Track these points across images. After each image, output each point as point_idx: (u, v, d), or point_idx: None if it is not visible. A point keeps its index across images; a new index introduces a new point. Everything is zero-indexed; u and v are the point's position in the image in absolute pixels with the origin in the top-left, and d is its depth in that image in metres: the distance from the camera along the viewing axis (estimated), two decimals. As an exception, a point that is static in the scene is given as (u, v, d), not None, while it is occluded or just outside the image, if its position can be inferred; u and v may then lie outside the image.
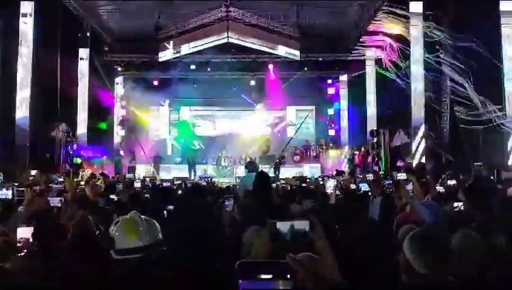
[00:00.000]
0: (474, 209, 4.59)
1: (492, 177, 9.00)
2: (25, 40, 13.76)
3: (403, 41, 15.57)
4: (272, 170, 18.86)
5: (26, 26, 13.78)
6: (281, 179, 14.47)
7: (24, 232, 3.19)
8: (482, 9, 13.46)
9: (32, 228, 3.15)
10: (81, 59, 18.16)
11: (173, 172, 18.76)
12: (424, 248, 2.10)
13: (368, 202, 5.50)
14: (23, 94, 13.75)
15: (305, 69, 21.03)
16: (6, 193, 4.12)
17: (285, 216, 3.86)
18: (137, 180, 9.23)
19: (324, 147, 21.59)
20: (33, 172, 11.65)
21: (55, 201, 4.60)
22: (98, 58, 19.39)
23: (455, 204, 4.45)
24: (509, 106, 13.10)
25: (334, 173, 14.28)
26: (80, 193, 5.68)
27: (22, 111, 13.70)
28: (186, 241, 3.39)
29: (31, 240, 3.17)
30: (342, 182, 6.19)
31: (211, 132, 23.26)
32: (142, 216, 2.29)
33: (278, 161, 19.48)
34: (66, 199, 4.89)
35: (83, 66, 18.25)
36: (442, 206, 4.83)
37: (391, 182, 5.34)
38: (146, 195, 6.69)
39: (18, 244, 3.21)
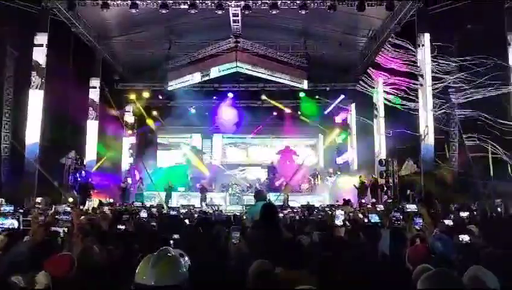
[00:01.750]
0: (487, 243, 4.52)
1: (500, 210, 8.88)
2: (37, 69, 14.03)
3: (409, 72, 15.65)
4: (281, 197, 18.79)
5: (40, 56, 14.07)
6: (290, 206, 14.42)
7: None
8: (490, 39, 13.57)
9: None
10: (92, 88, 18.44)
11: (181, 200, 18.81)
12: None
13: (378, 234, 5.42)
14: (34, 122, 13.91)
15: (316, 97, 21.24)
16: (12, 223, 4.10)
17: (294, 249, 3.81)
18: (144, 210, 9.17)
19: (332, 175, 21.48)
20: (39, 199, 11.64)
21: (60, 232, 4.57)
22: (108, 87, 19.68)
23: (461, 237, 4.38)
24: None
25: (342, 202, 14.14)
26: (87, 221, 5.65)
27: (32, 138, 13.82)
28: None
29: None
30: (350, 214, 6.10)
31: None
32: (173, 253, 2.24)
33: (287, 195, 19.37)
34: (70, 230, 4.87)
35: (94, 95, 18.52)
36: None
37: (399, 214, 5.26)
38: (153, 223, 6.64)
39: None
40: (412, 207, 6.00)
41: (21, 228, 3.99)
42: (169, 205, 16.93)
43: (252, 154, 23.79)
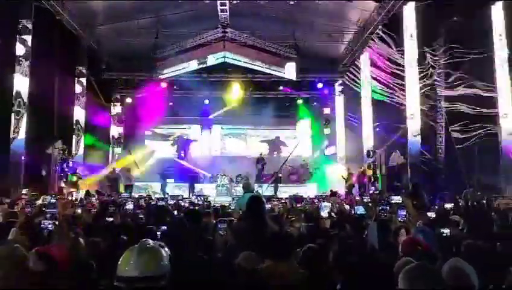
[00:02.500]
0: (469, 234, 4.61)
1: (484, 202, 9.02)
2: (21, 58, 13.77)
3: (396, 64, 15.73)
4: (270, 188, 18.88)
5: (24, 45, 13.81)
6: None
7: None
8: (475, 32, 13.70)
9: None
10: (78, 77, 18.20)
11: (176, 190, 18.83)
12: (418, 286, 2.09)
13: (364, 225, 5.48)
14: (19, 111, 13.69)
15: (303, 89, 21.39)
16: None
17: (281, 241, 3.84)
18: (130, 200, 9.14)
19: (321, 167, 21.62)
20: (25, 190, 11.52)
21: (47, 224, 4.53)
22: (95, 76, 19.46)
23: (442, 230, 4.47)
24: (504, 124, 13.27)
25: (329, 193, 14.25)
26: (70, 214, 5.61)
27: (18, 128, 13.62)
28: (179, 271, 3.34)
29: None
30: (337, 205, 6.15)
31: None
32: (153, 244, 2.23)
33: (275, 178, 19.49)
34: (60, 222, 4.83)
35: (80, 84, 18.28)
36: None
37: (386, 207, 5.32)
38: (141, 216, 6.61)
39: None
40: (396, 199, 6.08)
41: (1, 220, 3.91)
42: (166, 194, 16.97)
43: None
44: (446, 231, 4.41)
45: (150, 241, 2.25)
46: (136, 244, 2.23)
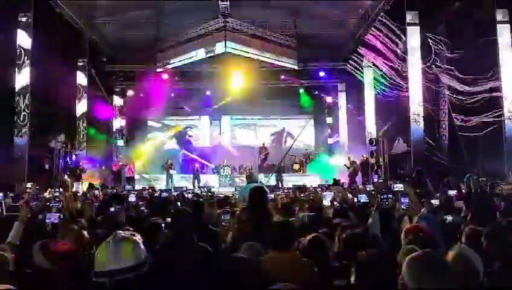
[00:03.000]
0: (472, 220, 4.61)
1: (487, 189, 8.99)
2: (23, 51, 13.75)
3: (398, 51, 15.62)
4: (274, 178, 18.91)
5: (24, 38, 13.78)
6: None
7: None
8: (477, 18, 13.55)
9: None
10: (79, 70, 18.17)
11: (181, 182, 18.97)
12: (424, 274, 2.08)
13: (368, 213, 5.47)
14: (21, 105, 13.70)
15: (305, 78, 21.28)
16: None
17: (283, 231, 3.84)
18: (133, 193, 9.17)
19: (324, 156, 21.63)
20: (29, 184, 11.57)
21: (52, 218, 4.54)
22: (96, 68, 19.43)
23: (445, 216, 4.46)
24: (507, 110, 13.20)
25: (332, 182, 14.24)
26: (74, 207, 5.63)
27: (20, 122, 13.64)
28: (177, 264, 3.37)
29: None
30: (340, 194, 6.14)
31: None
32: (125, 234, 2.22)
33: (278, 169, 19.51)
34: (65, 215, 4.86)
35: (82, 77, 18.26)
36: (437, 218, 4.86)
37: (387, 195, 5.31)
38: (142, 208, 6.63)
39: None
40: (399, 186, 6.07)
41: (4, 213, 3.92)
42: (170, 185, 17.07)
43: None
44: (449, 218, 4.40)
45: (121, 232, 2.22)
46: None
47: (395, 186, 6.17)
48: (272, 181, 18.69)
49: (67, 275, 2.89)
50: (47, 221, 4.51)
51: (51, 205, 5.15)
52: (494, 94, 13.44)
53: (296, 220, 5.09)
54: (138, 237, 2.22)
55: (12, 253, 3.42)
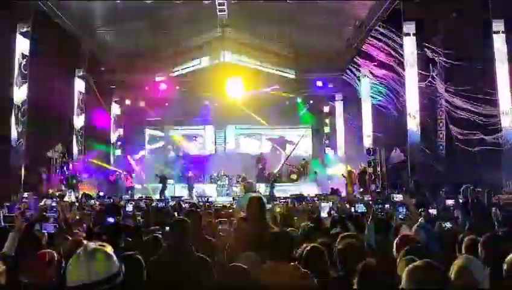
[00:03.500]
0: (469, 232, 4.60)
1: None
2: (21, 60, 13.77)
3: (395, 61, 15.71)
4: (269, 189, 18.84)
5: (23, 47, 13.80)
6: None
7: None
8: (473, 29, 13.63)
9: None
10: (78, 79, 18.19)
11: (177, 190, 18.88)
12: (422, 283, 2.08)
13: (364, 224, 5.46)
14: (19, 114, 13.68)
15: (303, 87, 21.35)
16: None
17: (281, 241, 3.83)
18: (131, 202, 9.13)
19: (321, 166, 21.61)
20: (25, 194, 11.51)
21: (48, 228, 4.51)
22: (95, 78, 19.46)
23: (444, 224, 4.46)
24: (504, 122, 13.21)
25: (329, 191, 14.25)
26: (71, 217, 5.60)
27: (18, 131, 13.60)
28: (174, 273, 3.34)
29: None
30: (338, 205, 6.13)
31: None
32: (96, 246, 2.13)
33: (272, 180, 19.41)
34: (61, 225, 4.83)
35: (80, 86, 18.28)
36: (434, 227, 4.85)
37: (383, 206, 5.31)
38: (139, 218, 6.60)
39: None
40: (399, 197, 6.07)
41: (2, 224, 3.85)
42: (163, 196, 16.99)
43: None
44: (448, 224, 4.39)
45: (92, 243, 2.15)
46: (137, 247, 2.18)
47: (395, 197, 6.16)
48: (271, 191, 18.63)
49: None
50: (43, 231, 4.48)
51: (47, 214, 5.12)
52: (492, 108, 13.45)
53: (294, 230, 5.08)
54: (109, 248, 2.15)
55: (5, 264, 3.37)
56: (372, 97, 18.09)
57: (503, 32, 13.32)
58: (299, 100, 22.38)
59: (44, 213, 5.28)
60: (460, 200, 8.82)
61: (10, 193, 12.33)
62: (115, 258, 2.11)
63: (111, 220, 5.09)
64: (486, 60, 13.44)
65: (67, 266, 2.09)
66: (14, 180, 13.13)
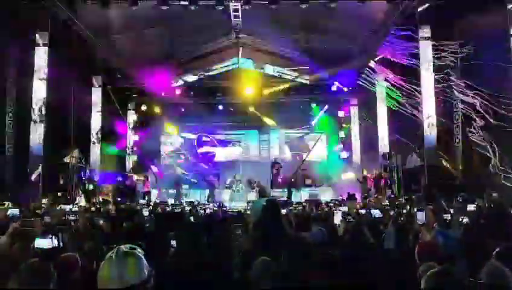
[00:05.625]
0: (489, 238, 4.52)
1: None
2: (39, 68, 14.03)
3: (411, 66, 15.58)
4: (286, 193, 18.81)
5: (41, 55, 14.06)
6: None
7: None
8: (491, 31, 13.44)
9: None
10: (94, 86, 18.47)
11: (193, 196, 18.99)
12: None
13: (381, 229, 5.42)
14: (37, 121, 13.92)
15: (317, 92, 21.32)
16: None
17: (297, 246, 3.82)
18: (146, 208, 9.20)
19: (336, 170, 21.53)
20: (44, 200, 11.67)
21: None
22: (111, 85, 19.72)
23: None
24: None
25: (346, 196, 14.15)
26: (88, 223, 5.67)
27: (36, 138, 13.84)
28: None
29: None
30: (354, 210, 6.08)
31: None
32: (128, 249, 2.09)
33: (289, 183, 19.41)
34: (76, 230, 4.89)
35: (96, 93, 18.54)
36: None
37: (401, 211, 5.26)
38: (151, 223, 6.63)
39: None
40: (417, 206, 6.02)
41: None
42: (180, 201, 17.09)
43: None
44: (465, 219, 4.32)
45: (123, 247, 2.11)
46: (151, 251, 2.17)
47: (412, 206, 6.09)
48: (285, 196, 18.59)
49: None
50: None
51: (66, 219, 5.19)
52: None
53: (309, 235, 5.06)
54: (140, 250, 2.11)
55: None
56: (388, 101, 17.95)
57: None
58: (313, 105, 22.36)
59: (63, 217, 5.35)
60: (478, 206, 8.71)
61: (29, 199, 12.52)
62: (145, 262, 2.07)
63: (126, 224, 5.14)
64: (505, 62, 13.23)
65: (99, 270, 2.06)
66: (33, 186, 13.34)
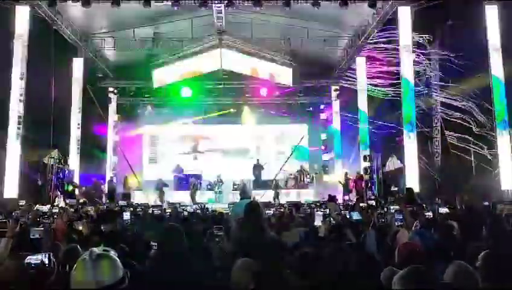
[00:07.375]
0: (465, 240, 4.62)
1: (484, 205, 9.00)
2: (17, 66, 13.77)
3: (393, 68, 15.81)
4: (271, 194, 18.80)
5: (19, 52, 13.81)
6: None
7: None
8: (470, 34, 13.73)
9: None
10: (75, 85, 18.17)
11: (175, 196, 18.78)
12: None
13: (360, 231, 5.46)
14: (15, 120, 13.65)
15: (300, 95, 21.43)
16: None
17: (278, 248, 3.83)
18: (127, 209, 9.10)
19: (318, 172, 21.64)
20: (22, 201, 11.45)
21: (36, 234, 4.37)
22: (91, 84, 19.48)
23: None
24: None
25: (327, 198, 14.21)
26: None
27: (14, 137, 13.57)
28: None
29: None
30: (335, 212, 6.12)
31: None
32: (101, 251, 2.09)
33: (275, 185, 19.47)
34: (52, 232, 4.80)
35: (76, 93, 18.26)
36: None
37: (382, 213, 5.34)
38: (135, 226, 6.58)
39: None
40: (396, 207, 6.09)
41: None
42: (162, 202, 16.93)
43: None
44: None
45: (96, 249, 2.11)
46: (132, 254, 2.17)
47: (391, 207, 6.15)
48: (265, 198, 18.58)
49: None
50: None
51: (40, 220, 5.09)
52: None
53: (290, 236, 5.09)
54: (113, 253, 2.10)
55: None
56: (369, 104, 18.15)
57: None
58: (295, 107, 22.44)
59: (38, 219, 5.24)
60: (454, 208, 8.87)
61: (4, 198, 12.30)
62: (119, 263, 2.08)
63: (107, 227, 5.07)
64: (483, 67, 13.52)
65: (72, 271, 2.05)
66: (9, 186, 13.08)
